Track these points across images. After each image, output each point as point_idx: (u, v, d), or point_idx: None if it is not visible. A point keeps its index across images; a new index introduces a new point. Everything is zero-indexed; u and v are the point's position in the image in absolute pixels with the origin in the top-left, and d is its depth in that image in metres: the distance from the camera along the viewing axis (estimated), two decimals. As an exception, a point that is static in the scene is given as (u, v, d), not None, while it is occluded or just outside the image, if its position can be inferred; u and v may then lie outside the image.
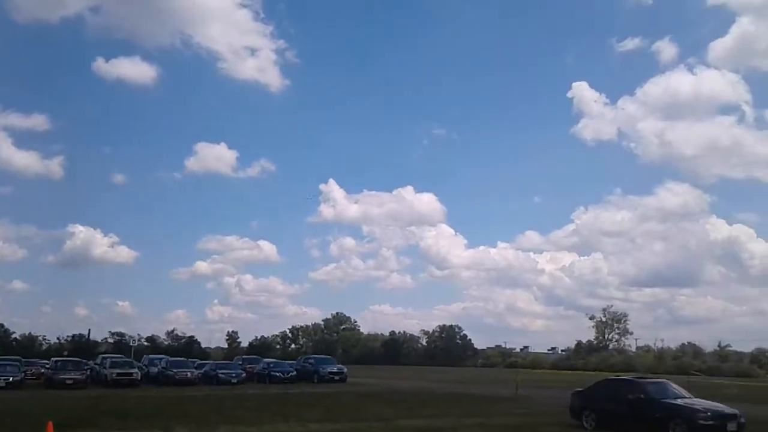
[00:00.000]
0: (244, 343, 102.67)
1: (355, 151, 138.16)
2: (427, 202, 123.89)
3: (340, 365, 43.82)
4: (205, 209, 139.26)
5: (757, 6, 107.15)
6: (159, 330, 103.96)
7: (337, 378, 39.93)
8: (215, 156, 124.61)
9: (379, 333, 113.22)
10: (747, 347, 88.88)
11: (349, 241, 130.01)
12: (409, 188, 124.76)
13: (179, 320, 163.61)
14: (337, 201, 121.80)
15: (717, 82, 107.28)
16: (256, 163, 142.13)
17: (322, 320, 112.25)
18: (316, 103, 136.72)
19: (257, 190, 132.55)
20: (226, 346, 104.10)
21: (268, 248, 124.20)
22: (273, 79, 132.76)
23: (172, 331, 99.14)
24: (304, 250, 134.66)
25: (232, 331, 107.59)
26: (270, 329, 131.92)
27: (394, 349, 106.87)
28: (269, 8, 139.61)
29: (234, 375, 38.74)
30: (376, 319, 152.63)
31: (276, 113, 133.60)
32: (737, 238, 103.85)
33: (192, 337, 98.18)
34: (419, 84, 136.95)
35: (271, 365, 43.27)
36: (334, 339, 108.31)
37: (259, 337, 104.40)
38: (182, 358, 45.17)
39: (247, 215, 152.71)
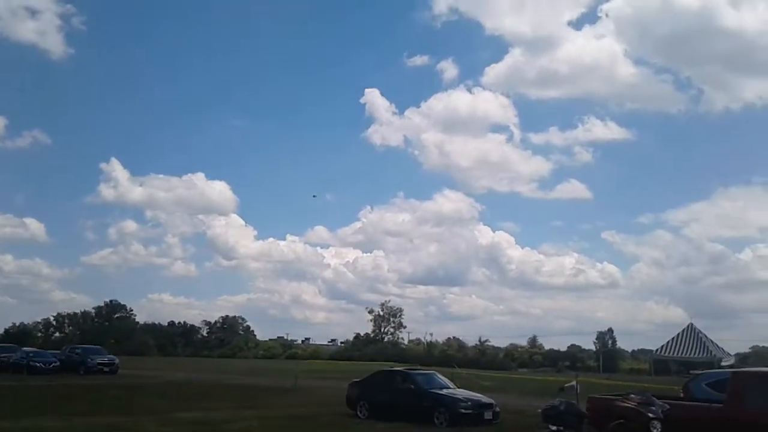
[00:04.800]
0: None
1: (143, 132, 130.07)
2: (219, 190, 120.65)
3: (111, 356, 41.07)
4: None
5: (527, 40, 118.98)
6: None
7: (107, 369, 37.48)
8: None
9: (157, 323, 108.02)
10: (503, 343, 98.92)
11: (130, 225, 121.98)
12: (201, 175, 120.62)
13: None
14: (119, 182, 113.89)
15: (491, 104, 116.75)
16: (27, 133, 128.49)
17: (93, 308, 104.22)
18: (102, 77, 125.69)
19: (27, 162, 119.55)
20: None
21: (35, 227, 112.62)
22: (55, 45, 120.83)
23: None
24: (78, 232, 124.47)
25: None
26: (32, 316, 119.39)
27: (172, 341, 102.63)
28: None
29: (-15, 365, 34.65)
30: (155, 308, 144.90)
31: (56, 83, 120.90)
32: (499, 244, 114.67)
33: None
34: (214, 70, 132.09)
35: (31, 354, 39.28)
36: (106, 328, 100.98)
37: (17, 324, 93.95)
38: None
39: (12, 189, 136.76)
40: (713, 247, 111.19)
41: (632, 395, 10.07)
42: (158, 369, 45.13)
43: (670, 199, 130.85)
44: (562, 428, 10.23)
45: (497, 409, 17.98)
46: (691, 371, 19.15)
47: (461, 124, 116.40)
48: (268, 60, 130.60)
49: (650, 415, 9.21)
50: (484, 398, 18.60)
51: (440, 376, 20.52)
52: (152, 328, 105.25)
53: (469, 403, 17.77)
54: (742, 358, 62.32)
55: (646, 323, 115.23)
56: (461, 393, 18.94)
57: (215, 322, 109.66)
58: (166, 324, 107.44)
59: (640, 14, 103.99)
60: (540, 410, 10.99)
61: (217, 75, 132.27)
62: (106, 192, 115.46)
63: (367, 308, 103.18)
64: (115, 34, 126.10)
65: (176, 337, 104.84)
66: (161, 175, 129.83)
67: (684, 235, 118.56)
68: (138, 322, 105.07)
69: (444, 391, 18.59)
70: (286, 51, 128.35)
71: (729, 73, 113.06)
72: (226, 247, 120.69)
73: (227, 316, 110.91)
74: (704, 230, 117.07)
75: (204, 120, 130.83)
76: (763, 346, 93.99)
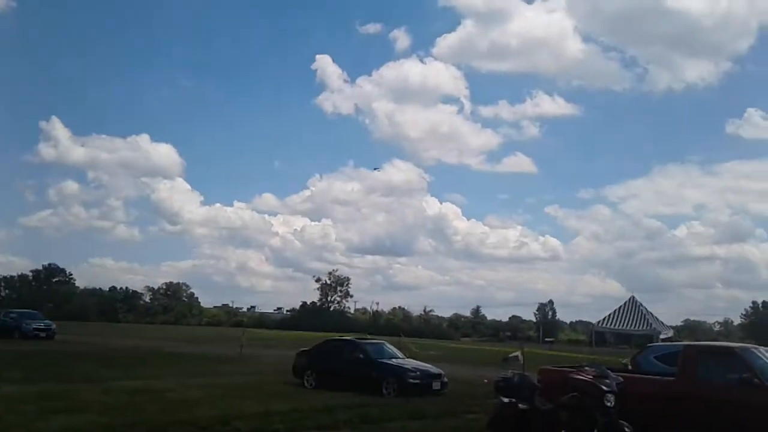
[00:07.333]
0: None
1: (86, 91, 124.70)
2: (165, 153, 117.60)
3: (47, 321, 39.79)
4: None
5: (480, 12, 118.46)
6: None
7: (43, 335, 36.35)
8: None
9: (98, 288, 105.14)
10: (447, 312, 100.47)
11: (71, 186, 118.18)
12: (145, 136, 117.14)
13: None
14: (60, 141, 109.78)
15: (442, 74, 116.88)
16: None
17: (31, 271, 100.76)
18: (44, 32, 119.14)
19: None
20: None
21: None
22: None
23: None
24: (16, 192, 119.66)
25: None
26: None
27: (113, 306, 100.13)
28: None
29: None
30: (95, 273, 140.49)
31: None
32: (446, 216, 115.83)
33: None
34: (162, 29, 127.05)
35: (-38, 319, 37.76)
36: (44, 292, 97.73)
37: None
38: None
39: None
40: (650, 222, 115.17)
41: (587, 368, 10.02)
42: (98, 335, 43.83)
43: (611, 175, 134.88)
44: (514, 400, 10.10)
45: (445, 379, 18.00)
46: (648, 344, 19.45)
47: (412, 94, 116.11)
48: (219, 19, 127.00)
49: (605, 388, 9.15)
50: (433, 368, 18.56)
51: (389, 345, 20.41)
52: (93, 293, 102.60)
53: (418, 373, 17.71)
54: (676, 331, 64.68)
55: (584, 296, 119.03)
56: (410, 363, 18.89)
57: (158, 289, 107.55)
58: (108, 289, 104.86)
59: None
60: (494, 381, 10.83)
61: (165, 34, 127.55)
62: (46, 151, 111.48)
63: (314, 277, 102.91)
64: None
65: (118, 303, 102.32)
66: (104, 136, 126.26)
67: (622, 210, 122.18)
68: (78, 287, 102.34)
69: (393, 361, 18.48)
70: (239, 11, 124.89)
71: (673, 53, 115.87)
72: (170, 212, 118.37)
73: (171, 282, 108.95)
74: (642, 206, 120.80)
75: (150, 80, 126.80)
76: (695, 320, 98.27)
